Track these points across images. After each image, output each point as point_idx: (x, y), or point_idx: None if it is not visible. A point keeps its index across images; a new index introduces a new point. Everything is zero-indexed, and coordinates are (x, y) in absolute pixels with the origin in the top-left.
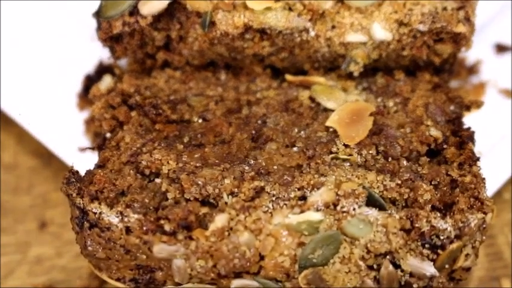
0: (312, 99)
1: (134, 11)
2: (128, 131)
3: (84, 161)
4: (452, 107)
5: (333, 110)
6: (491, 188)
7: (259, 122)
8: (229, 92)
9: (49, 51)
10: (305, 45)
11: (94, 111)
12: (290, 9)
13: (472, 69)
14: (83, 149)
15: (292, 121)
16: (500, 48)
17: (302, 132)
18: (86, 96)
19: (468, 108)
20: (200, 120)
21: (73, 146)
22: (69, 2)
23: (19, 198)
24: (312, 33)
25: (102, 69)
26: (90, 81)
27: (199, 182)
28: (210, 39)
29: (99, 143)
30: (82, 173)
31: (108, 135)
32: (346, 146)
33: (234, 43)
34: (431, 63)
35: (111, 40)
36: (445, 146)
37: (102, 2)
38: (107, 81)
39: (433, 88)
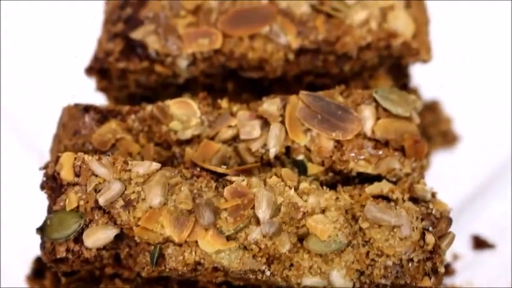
0: None
1: (79, 238)
2: None
3: None
4: None
5: None
6: None
7: None
8: None
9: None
10: (261, 281)
11: None
12: (245, 248)
13: (447, 269)
14: None
15: None
16: (479, 243)
17: None
18: (35, 279)
19: None
20: None
21: None
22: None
23: None
24: (268, 273)
25: None
26: (40, 264)
27: None
28: (158, 271)
29: None
30: None
31: None
32: None
33: (185, 275)
34: None
35: (55, 262)
36: None
37: (47, 219)
38: None
39: None
